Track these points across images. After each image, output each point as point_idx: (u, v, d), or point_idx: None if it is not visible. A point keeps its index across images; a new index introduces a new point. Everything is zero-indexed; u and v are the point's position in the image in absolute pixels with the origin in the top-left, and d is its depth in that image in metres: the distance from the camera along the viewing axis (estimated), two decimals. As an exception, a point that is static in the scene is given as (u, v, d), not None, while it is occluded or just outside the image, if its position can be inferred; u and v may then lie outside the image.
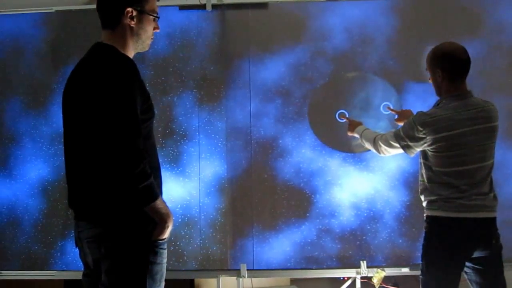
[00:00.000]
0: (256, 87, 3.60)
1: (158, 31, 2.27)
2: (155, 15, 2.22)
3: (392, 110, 3.33)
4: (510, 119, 3.44)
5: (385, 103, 3.53)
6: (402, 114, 3.16)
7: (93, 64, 2.09)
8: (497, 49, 3.54)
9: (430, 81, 2.71)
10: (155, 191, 2.03)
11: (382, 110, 3.52)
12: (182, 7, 3.65)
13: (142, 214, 2.02)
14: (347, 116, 3.48)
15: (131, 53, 2.20)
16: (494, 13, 3.56)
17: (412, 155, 2.73)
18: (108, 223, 2.03)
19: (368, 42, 3.60)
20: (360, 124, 3.18)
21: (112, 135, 1.94)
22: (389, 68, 3.57)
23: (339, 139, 3.54)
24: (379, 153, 2.88)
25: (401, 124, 3.02)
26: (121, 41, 2.16)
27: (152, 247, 2.06)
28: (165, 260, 2.13)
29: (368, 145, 2.99)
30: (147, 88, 2.17)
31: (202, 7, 3.64)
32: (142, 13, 2.17)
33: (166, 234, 2.10)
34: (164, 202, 2.08)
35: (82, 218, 2.12)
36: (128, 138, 1.94)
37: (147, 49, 2.28)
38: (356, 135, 3.15)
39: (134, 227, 2.03)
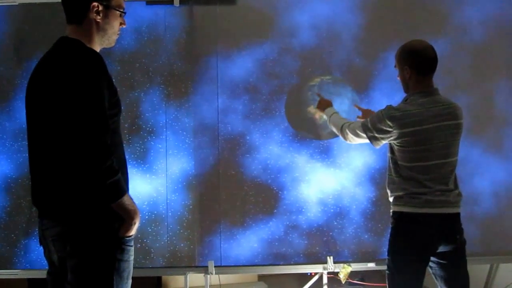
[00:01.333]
0: (224, 83, 3.59)
1: (124, 26, 2.24)
2: (121, 10, 2.19)
3: (358, 108, 3.36)
4: (473, 117, 3.51)
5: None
6: (366, 113, 3.21)
7: (59, 59, 2.05)
8: (461, 49, 3.61)
9: (398, 78, 2.75)
10: (123, 187, 2.01)
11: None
12: (149, 2, 3.62)
13: (109, 211, 2.00)
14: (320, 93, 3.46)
15: (97, 48, 2.17)
16: (458, 13, 3.63)
17: (378, 147, 2.76)
18: (73, 221, 2.00)
19: (335, 39, 3.62)
20: (329, 104, 3.17)
21: (80, 130, 1.91)
22: (355, 66, 3.61)
23: (313, 128, 3.58)
24: (345, 140, 2.91)
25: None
26: (87, 36, 2.13)
27: (119, 244, 2.04)
28: (132, 257, 2.11)
29: (334, 130, 3.01)
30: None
31: (170, 2, 3.60)
32: (108, 8, 2.14)
33: (133, 231, 2.07)
34: (131, 198, 2.06)
35: (46, 216, 2.08)
36: (95, 134, 1.91)
37: (113, 44, 2.25)
38: (324, 116, 3.15)
39: (100, 224, 2.01)
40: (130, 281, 2.11)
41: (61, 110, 1.95)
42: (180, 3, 3.60)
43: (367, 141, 2.77)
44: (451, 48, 3.59)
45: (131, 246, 2.10)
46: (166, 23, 3.61)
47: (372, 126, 2.68)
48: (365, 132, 2.73)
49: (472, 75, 3.61)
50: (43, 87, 2.04)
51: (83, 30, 2.12)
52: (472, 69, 3.61)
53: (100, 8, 2.12)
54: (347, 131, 2.85)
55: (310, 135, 3.58)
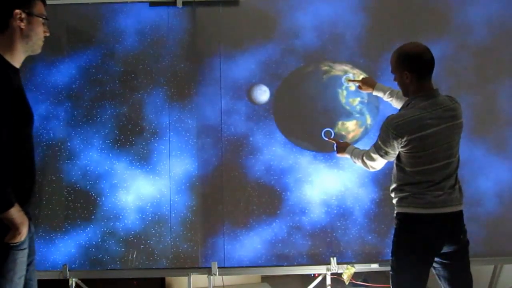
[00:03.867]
0: (227, 84, 3.59)
1: (48, 35, 2.29)
2: (43, 16, 2.25)
3: (353, 81, 3.33)
4: (476, 118, 3.50)
5: (345, 75, 3.56)
6: (364, 82, 3.17)
7: None
8: (465, 49, 3.59)
9: (395, 81, 2.73)
10: (8, 200, 2.06)
11: (344, 83, 3.55)
12: (152, 4, 3.62)
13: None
14: (332, 136, 3.46)
15: (20, 56, 2.23)
16: (462, 13, 3.62)
17: (393, 159, 2.73)
18: None
19: (338, 40, 3.62)
20: (347, 144, 3.07)
21: None
22: (359, 66, 3.60)
23: (307, 138, 3.58)
24: (368, 169, 2.85)
25: (365, 91, 3.17)
26: (10, 43, 2.18)
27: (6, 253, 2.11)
28: (22, 259, 2.17)
29: (358, 164, 2.91)
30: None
31: (173, 3, 3.61)
32: (31, 15, 2.20)
33: (19, 239, 2.12)
34: (20, 210, 2.10)
35: None
36: None
37: (39, 51, 2.30)
38: (347, 156, 3.02)
39: None
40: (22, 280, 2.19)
41: None
42: (183, 4, 3.60)
43: (384, 161, 2.73)
44: (455, 49, 3.58)
45: (21, 249, 2.15)
46: (169, 24, 3.61)
47: (382, 143, 2.64)
48: (377, 152, 2.68)
49: (476, 75, 3.60)
50: None
51: (6, 38, 2.18)
52: (475, 69, 3.60)
53: (23, 15, 2.17)
54: (366, 160, 2.80)
55: (304, 143, 3.58)
